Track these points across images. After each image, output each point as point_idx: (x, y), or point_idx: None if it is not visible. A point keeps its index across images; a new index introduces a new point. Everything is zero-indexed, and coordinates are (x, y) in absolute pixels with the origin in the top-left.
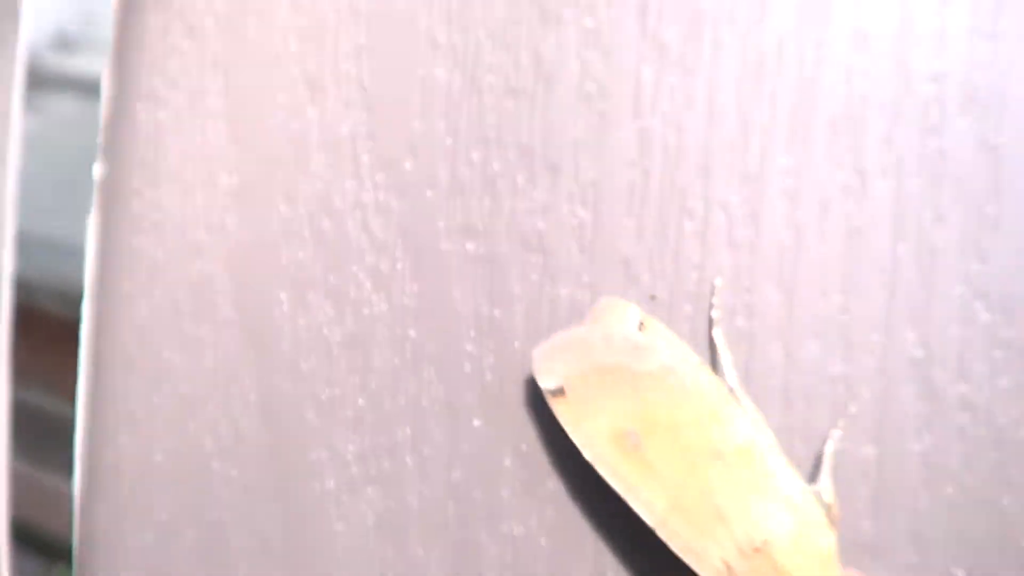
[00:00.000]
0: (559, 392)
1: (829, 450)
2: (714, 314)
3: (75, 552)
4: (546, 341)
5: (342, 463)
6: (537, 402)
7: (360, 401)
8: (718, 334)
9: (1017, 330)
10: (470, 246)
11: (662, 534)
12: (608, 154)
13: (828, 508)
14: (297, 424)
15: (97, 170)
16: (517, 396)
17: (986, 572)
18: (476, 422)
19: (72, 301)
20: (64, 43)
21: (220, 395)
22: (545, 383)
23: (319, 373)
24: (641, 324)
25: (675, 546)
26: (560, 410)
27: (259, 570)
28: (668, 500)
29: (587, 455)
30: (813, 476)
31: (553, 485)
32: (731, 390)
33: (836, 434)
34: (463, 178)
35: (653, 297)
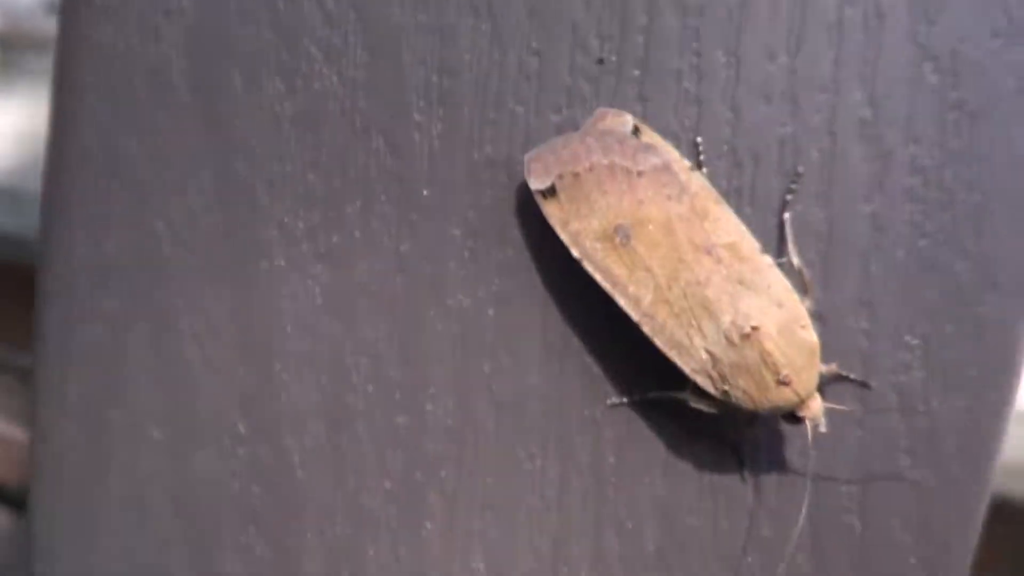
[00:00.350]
0: (550, 192)
1: (788, 217)
2: (701, 158)
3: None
4: (540, 145)
5: (292, 240)
6: (485, 173)
7: (310, 176)
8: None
9: (967, 92)
10: (421, 17)
11: (647, 328)
12: None
13: (800, 274)
14: (249, 204)
15: None
16: (465, 165)
17: (941, 340)
18: (425, 191)
19: None
20: None
21: (176, 180)
22: (536, 184)
23: (271, 151)
24: (636, 129)
25: (660, 340)
26: (550, 210)
27: (210, 353)
28: (656, 294)
29: (575, 253)
30: (778, 249)
31: (501, 255)
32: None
33: (790, 199)
34: None
35: (601, 61)
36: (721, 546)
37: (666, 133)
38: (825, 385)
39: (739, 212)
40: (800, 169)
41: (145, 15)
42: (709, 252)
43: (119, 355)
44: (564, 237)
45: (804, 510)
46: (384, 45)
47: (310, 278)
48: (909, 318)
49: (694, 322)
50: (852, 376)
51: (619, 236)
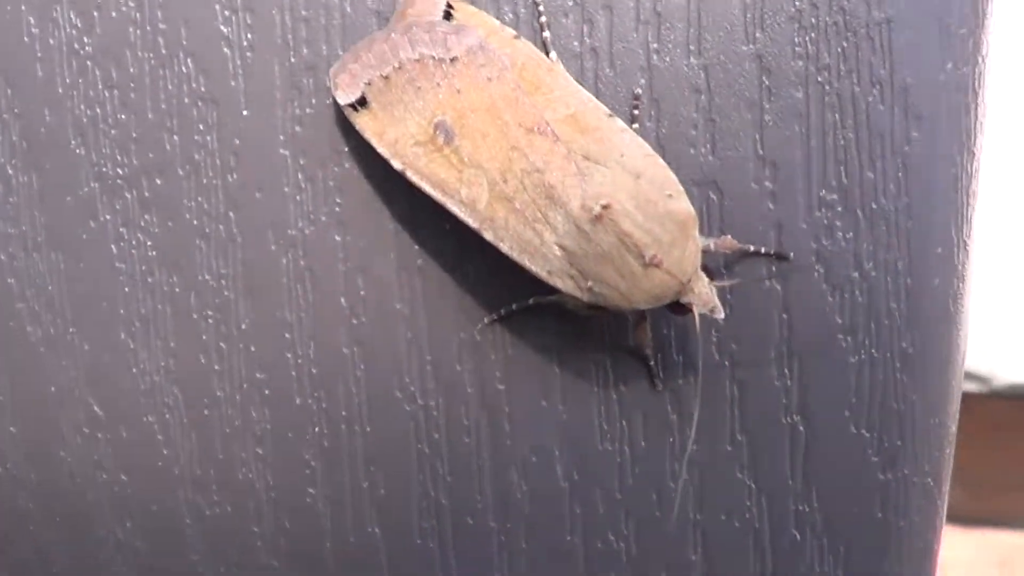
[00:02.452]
0: (361, 103)
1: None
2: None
3: None
4: (344, 54)
5: (114, 191)
6: (305, 80)
7: (121, 116)
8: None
9: None
10: None
11: (490, 234)
12: None
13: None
14: (62, 159)
15: None
16: (283, 74)
17: (863, 191)
18: (244, 111)
19: None
20: None
21: None
22: (344, 98)
23: (78, 95)
24: (449, 8)
25: (506, 245)
26: (363, 123)
27: (52, 331)
28: (492, 191)
29: (396, 165)
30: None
31: (338, 170)
32: (551, 61)
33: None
34: None
35: None
36: (643, 469)
37: None
38: (733, 265)
39: (598, 74)
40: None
41: None
42: (542, 132)
43: None
44: (382, 150)
45: (696, 410)
46: None
47: (140, 230)
48: (823, 169)
49: (540, 215)
50: (762, 249)
51: (440, 135)
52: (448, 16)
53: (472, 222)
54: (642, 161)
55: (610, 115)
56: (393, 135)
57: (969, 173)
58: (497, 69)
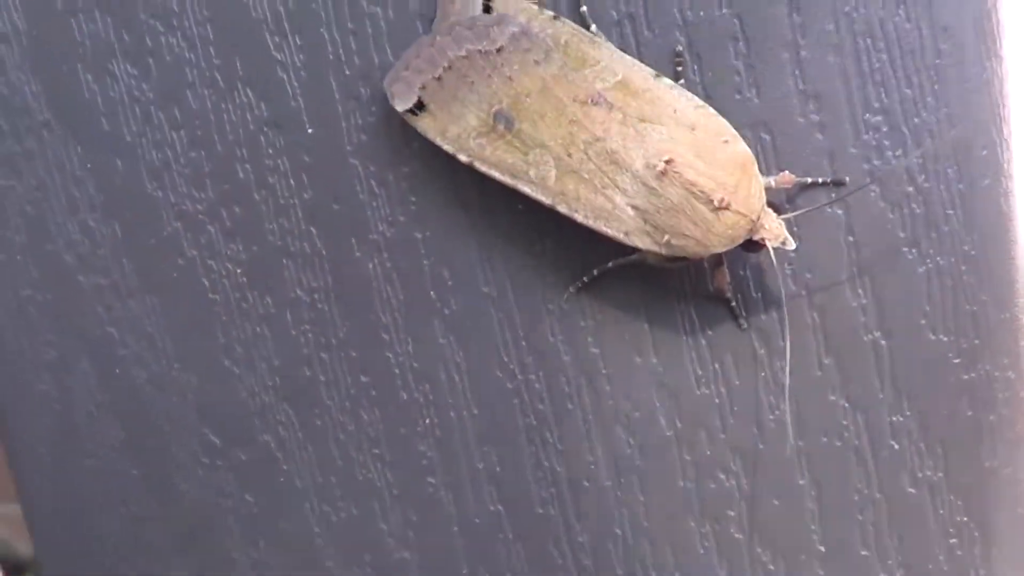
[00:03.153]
0: (419, 108)
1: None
2: None
3: None
4: (395, 63)
5: (196, 227)
6: (363, 90)
7: (192, 154)
8: None
9: None
10: None
11: (564, 208)
12: None
13: None
14: (141, 202)
15: None
16: (340, 88)
17: (910, 106)
18: (309, 129)
19: None
20: None
21: (63, 206)
22: (401, 105)
23: (146, 141)
24: (488, 3)
25: (582, 215)
26: (424, 125)
27: (156, 370)
28: (559, 167)
29: (462, 158)
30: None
31: (407, 171)
32: (593, 33)
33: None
34: None
35: None
36: (741, 407)
37: None
38: (795, 198)
39: (638, 39)
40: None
41: None
42: (597, 102)
43: (68, 401)
44: (447, 147)
45: (787, 341)
46: None
47: (227, 260)
48: (864, 94)
49: (608, 180)
50: (819, 180)
51: (501, 123)
52: (488, 9)
53: (545, 199)
54: (694, 113)
55: (657, 75)
56: (455, 131)
57: (1000, 76)
58: (543, 51)
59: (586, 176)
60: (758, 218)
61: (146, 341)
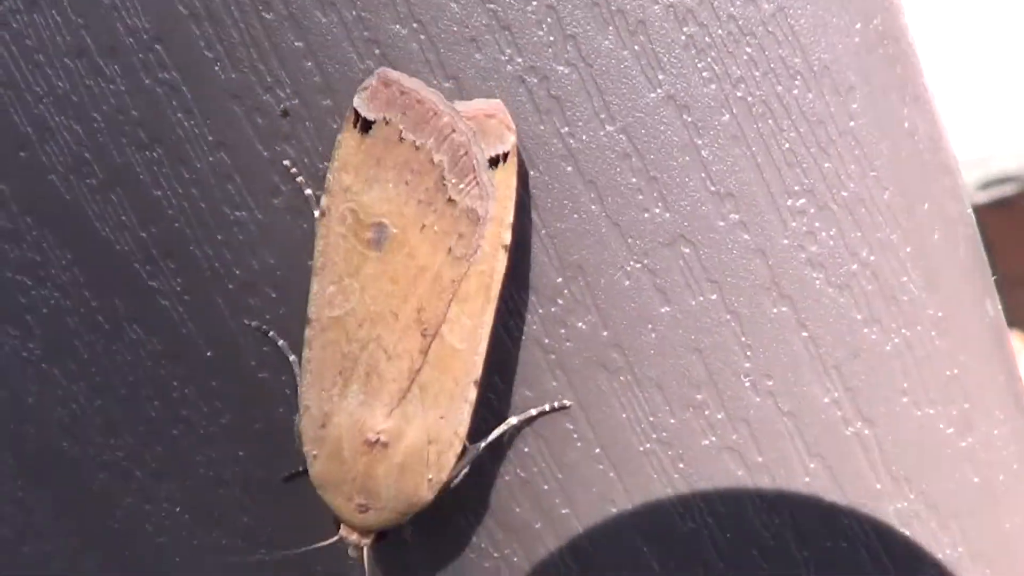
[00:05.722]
0: (366, 127)
1: None
2: None
3: None
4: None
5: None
6: None
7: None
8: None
9: None
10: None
11: (308, 333)
12: None
13: None
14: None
15: None
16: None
17: None
18: (208, 353)
19: None
20: None
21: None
22: (362, 108)
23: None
24: (497, 159)
25: (307, 355)
26: (349, 143)
27: None
28: (345, 316)
29: (321, 203)
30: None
31: None
32: (491, 300)
33: None
34: None
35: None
36: (732, 533)
37: None
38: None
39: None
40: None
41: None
42: (425, 334)
43: None
44: (330, 178)
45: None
46: (75, 228)
47: (164, 500)
48: (779, 181)
49: (346, 378)
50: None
51: (374, 234)
52: (494, 163)
53: (311, 310)
54: (446, 435)
55: (475, 382)
56: (349, 180)
57: (923, 119)
58: (464, 249)
59: (345, 351)
60: (359, 529)
61: None
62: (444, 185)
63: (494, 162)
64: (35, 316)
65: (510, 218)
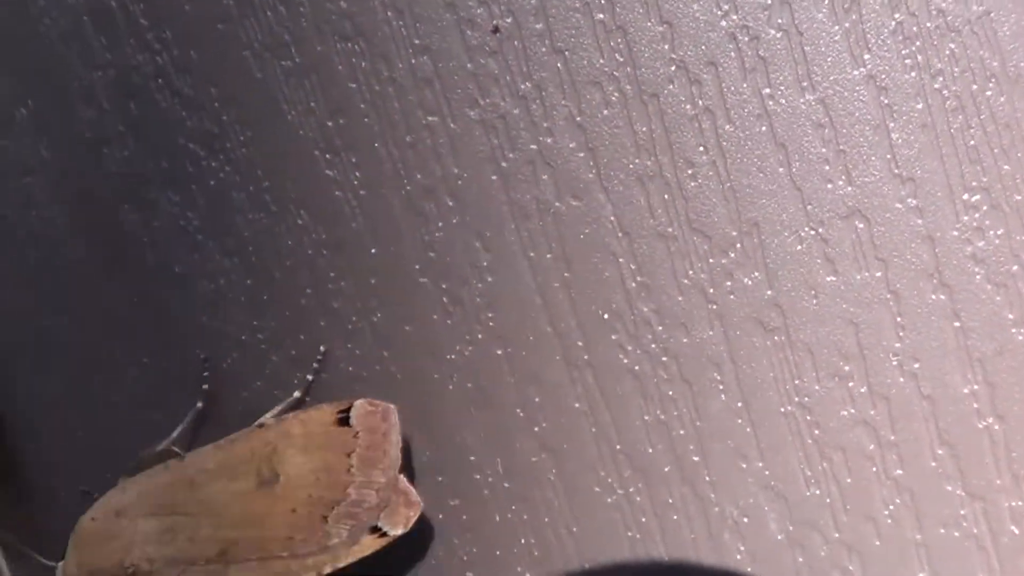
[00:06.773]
0: (344, 421)
1: None
2: None
3: None
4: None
5: (259, 356)
6: (427, 205)
7: (248, 281)
8: None
9: None
10: (286, 63)
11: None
12: None
13: None
14: (190, 332)
15: None
16: (401, 204)
17: None
18: (372, 249)
19: None
20: None
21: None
22: (354, 416)
23: (196, 270)
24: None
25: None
26: (325, 413)
27: None
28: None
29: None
30: None
31: (483, 286)
32: None
33: None
34: None
35: (496, 29)
36: (853, 504)
37: None
38: None
39: (718, 132)
40: None
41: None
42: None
43: None
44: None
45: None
46: (260, 107)
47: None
48: (958, 174)
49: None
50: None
51: (268, 475)
52: (375, 530)
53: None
54: None
55: None
56: (297, 431)
57: None
58: (304, 548)
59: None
60: None
61: None
62: (333, 508)
63: (376, 529)
64: (200, 186)
65: (340, 565)
